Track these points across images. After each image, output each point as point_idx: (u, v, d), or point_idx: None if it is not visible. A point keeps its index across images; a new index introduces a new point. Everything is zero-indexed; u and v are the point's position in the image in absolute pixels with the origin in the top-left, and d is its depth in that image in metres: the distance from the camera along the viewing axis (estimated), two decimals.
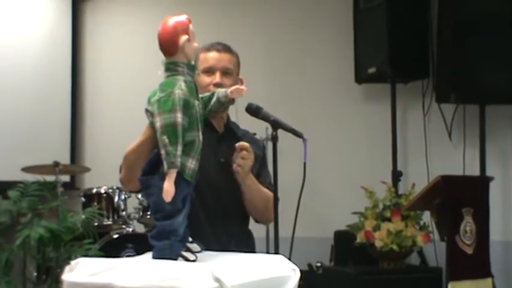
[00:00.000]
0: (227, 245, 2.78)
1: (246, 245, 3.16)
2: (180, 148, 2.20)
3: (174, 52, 2.32)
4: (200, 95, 2.42)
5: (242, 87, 2.51)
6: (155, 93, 2.29)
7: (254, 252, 3.12)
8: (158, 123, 2.23)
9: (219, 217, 3.05)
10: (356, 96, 6.12)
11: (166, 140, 2.20)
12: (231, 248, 2.73)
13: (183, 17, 2.36)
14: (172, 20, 2.34)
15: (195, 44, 2.34)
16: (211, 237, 2.89)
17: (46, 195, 5.21)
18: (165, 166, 2.19)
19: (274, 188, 2.98)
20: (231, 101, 2.51)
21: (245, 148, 2.99)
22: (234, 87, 2.50)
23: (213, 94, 2.49)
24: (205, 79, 3.06)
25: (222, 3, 6.59)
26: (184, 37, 2.31)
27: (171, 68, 2.32)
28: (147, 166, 2.32)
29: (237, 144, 3.00)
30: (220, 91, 2.49)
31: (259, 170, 3.24)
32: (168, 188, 2.18)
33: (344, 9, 5.92)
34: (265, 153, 3.38)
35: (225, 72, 3.12)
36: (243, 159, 2.99)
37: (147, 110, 2.34)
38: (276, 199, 2.90)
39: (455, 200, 4.25)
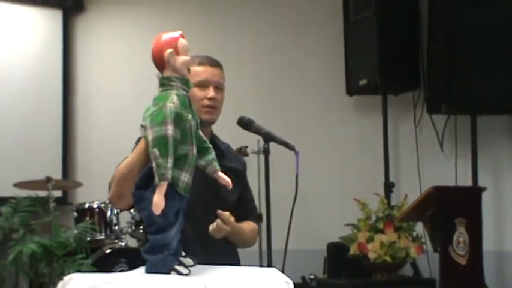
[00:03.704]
0: (215, 260, 2.77)
1: (233, 258, 3.16)
2: (170, 160, 2.20)
3: (163, 67, 2.33)
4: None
5: (229, 181, 2.42)
6: (149, 108, 2.29)
7: (239, 265, 3.12)
8: (150, 136, 2.23)
9: (206, 233, 3.04)
10: (347, 108, 6.13)
11: (157, 153, 2.19)
12: (219, 262, 2.72)
13: (174, 33, 2.36)
14: (161, 36, 2.35)
15: (183, 58, 2.33)
16: (200, 253, 2.87)
17: (38, 210, 5.20)
18: (156, 179, 2.19)
19: (266, 202, 2.98)
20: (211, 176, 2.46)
21: (223, 218, 3.00)
22: (223, 177, 2.40)
23: (207, 152, 2.41)
24: (198, 93, 3.05)
25: (212, 15, 6.60)
26: (168, 51, 2.31)
27: (164, 83, 2.32)
28: (140, 180, 2.32)
29: (218, 213, 2.99)
30: (212, 168, 2.37)
31: (242, 190, 3.24)
32: (158, 201, 2.17)
33: (334, 20, 5.94)
34: (246, 170, 3.36)
35: (218, 87, 3.13)
36: (217, 228, 3.00)
37: (141, 126, 2.33)
38: (267, 214, 2.90)
39: (447, 211, 4.26)
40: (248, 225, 3.22)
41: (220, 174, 2.40)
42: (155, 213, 2.18)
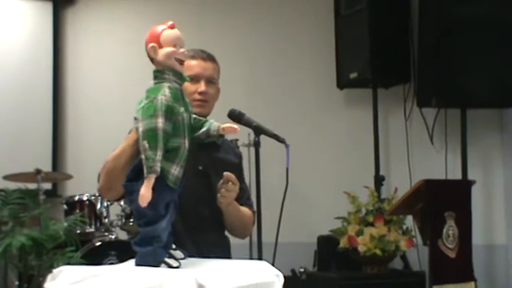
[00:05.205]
0: (206, 253, 2.77)
1: (224, 252, 3.16)
2: (159, 153, 2.19)
3: (152, 61, 2.34)
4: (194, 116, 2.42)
5: (236, 126, 2.47)
6: (142, 100, 2.29)
7: (230, 258, 3.12)
8: (140, 129, 2.23)
9: (197, 225, 3.04)
10: (338, 101, 6.13)
11: (147, 145, 2.19)
12: (209, 254, 2.73)
13: (161, 26, 2.35)
14: (150, 30, 2.35)
15: (165, 50, 2.32)
16: (190, 245, 2.88)
17: (28, 203, 5.19)
18: (145, 171, 2.19)
19: (256, 195, 2.97)
20: (220, 136, 2.48)
21: (231, 180, 2.98)
22: (228, 125, 2.44)
23: (205, 122, 2.44)
24: (189, 87, 3.05)
25: (203, 11, 6.59)
26: (150, 45, 2.32)
27: (157, 76, 2.33)
28: (132, 172, 2.32)
29: (225, 174, 2.99)
30: (214, 124, 2.43)
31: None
32: (144, 193, 2.17)
33: (325, 14, 5.93)
34: (242, 162, 3.37)
35: (210, 81, 3.13)
36: (227, 192, 2.99)
37: (135, 118, 2.34)
38: (258, 207, 2.90)
39: (437, 204, 4.26)
40: (245, 210, 3.22)
41: (224, 125, 2.43)
42: (142, 205, 2.18)
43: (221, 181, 2.98)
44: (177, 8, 6.52)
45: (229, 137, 3.43)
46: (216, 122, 2.45)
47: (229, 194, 3.00)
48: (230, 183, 2.98)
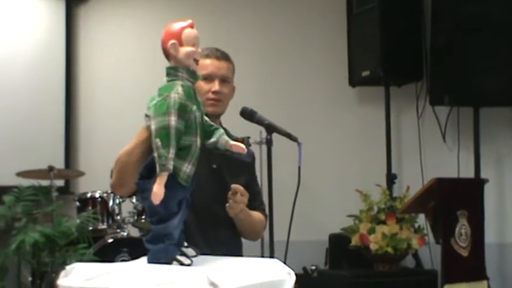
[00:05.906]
0: (217, 251, 2.78)
1: (236, 250, 3.16)
2: (172, 151, 2.19)
3: (168, 58, 2.33)
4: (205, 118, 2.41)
5: (243, 146, 2.45)
6: (154, 98, 2.29)
7: (242, 256, 3.12)
8: (153, 127, 2.23)
9: (209, 223, 3.05)
10: (350, 99, 6.13)
11: (159, 143, 2.19)
12: (221, 253, 2.73)
13: (182, 23, 2.35)
14: (169, 26, 2.35)
15: (186, 49, 2.32)
16: (202, 243, 2.89)
17: (41, 199, 5.21)
18: (157, 169, 2.19)
19: (268, 193, 2.98)
20: (226, 151, 2.46)
21: (240, 191, 2.99)
22: (236, 144, 2.42)
23: (215, 130, 2.43)
24: (203, 86, 3.06)
25: (215, 7, 6.59)
26: (170, 42, 2.31)
27: (170, 73, 2.32)
28: (144, 170, 2.32)
29: (233, 187, 3.00)
30: (223, 139, 2.40)
31: (249, 181, 3.23)
32: (157, 191, 2.17)
33: (338, 13, 5.93)
34: (254, 162, 3.37)
35: (224, 81, 3.14)
36: (235, 203, 3.00)
37: (146, 115, 2.34)
38: (270, 205, 2.90)
39: (450, 203, 4.26)
40: (256, 215, 3.22)
41: (233, 142, 2.39)
42: (154, 202, 2.18)
43: (230, 192, 2.99)
44: (189, 5, 6.52)
45: (240, 134, 3.42)
46: (225, 136, 2.40)
47: (237, 205, 3.02)
48: (239, 194, 2.99)
